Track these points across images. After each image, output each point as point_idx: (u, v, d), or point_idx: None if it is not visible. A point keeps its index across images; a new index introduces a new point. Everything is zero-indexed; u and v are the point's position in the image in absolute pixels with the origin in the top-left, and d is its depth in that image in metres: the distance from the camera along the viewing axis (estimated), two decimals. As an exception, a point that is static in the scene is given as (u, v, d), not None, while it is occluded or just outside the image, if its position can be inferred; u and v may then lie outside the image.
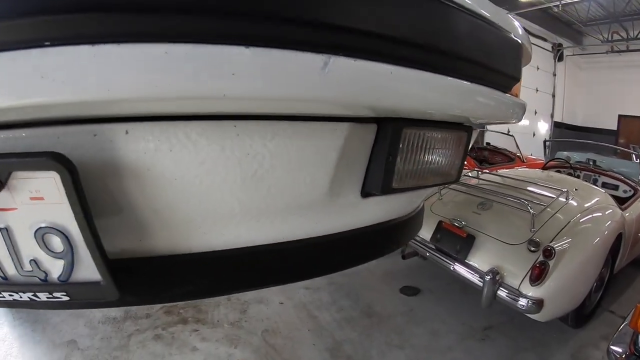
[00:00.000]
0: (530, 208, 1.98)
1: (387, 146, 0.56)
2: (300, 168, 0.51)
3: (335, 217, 0.61)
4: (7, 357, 1.69)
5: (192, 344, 1.90)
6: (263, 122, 0.46)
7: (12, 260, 0.43)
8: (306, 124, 0.49)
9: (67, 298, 0.45)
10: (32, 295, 0.44)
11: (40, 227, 0.42)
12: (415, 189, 0.64)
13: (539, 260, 1.75)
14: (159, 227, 0.50)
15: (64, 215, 0.40)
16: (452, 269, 2.19)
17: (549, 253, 1.73)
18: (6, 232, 0.42)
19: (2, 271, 0.43)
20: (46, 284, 0.44)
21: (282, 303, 2.49)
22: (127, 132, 0.42)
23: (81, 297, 0.46)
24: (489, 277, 1.84)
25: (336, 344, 2.05)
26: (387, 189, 0.59)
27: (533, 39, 9.47)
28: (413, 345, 2.06)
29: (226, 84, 0.36)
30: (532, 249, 1.84)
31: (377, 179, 0.58)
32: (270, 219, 0.54)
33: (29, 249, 0.43)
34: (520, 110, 0.77)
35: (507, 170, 3.32)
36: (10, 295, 0.44)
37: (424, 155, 0.62)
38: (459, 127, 0.68)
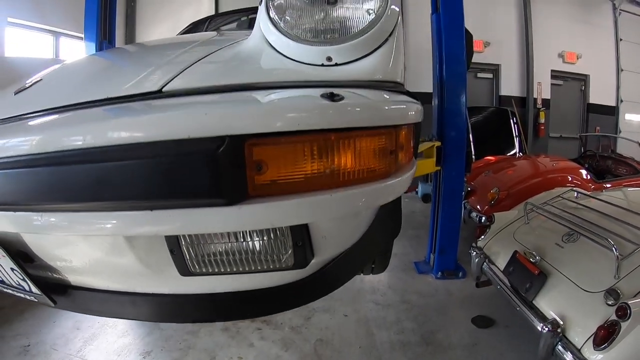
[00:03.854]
0: (616, 248, 1.56)
1: None
2: (105, 253, 0.72)
3: (173, 284, 0.76)
4: (104, 327, 2.33)
5: (251, 340, 2.24)
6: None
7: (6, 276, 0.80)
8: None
9: (35, 299, 0.81)
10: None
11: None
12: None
13: (610, 319, 1.39)
14: (64, 270, 0.80)
15: (7, 264, 0.74)
16: (517, 309, 1.91)
17: (623, 312, 1.34)
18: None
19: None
20: (24, 291, 0.81)
21: (346, 315, 2.60)
22: None
23: (39, 300, 0.80)
24: (546, 328, 1.56)
25: (380, 366, 2.06)
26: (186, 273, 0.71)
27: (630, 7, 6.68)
28: (458, 387, 1.90)
29: None
30: (610, 302, 1.46)
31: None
32: (123, 278, 0.76)
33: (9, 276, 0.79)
34: None
35: (626, 187, 2.56)
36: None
37: None
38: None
